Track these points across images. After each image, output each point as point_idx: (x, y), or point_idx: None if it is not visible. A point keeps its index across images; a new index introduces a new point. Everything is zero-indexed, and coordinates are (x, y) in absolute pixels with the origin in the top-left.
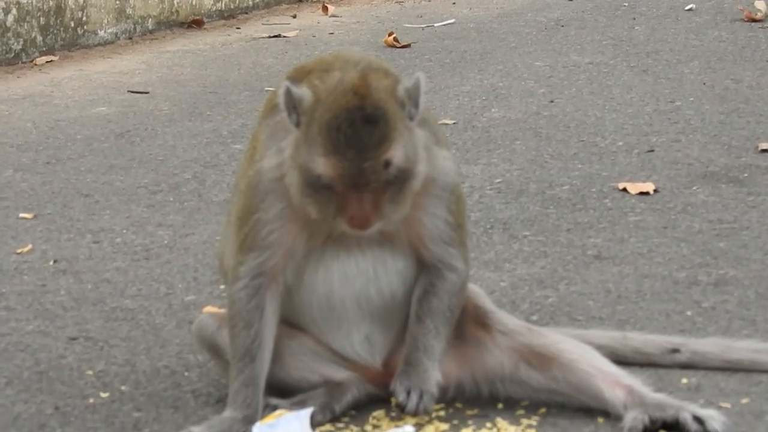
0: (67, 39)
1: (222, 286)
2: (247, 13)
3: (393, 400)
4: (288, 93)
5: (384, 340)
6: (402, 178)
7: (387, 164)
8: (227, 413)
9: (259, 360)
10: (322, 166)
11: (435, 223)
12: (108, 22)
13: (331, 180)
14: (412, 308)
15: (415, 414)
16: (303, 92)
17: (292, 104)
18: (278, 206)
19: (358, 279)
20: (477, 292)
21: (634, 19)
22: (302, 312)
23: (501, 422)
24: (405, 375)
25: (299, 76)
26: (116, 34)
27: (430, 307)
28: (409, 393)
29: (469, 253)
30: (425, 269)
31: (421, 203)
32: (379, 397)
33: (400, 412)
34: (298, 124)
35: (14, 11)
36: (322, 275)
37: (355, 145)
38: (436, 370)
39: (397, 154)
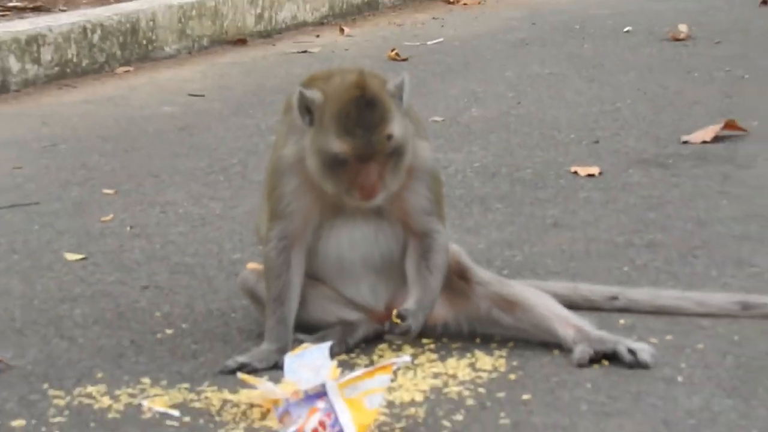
0: (141, 53)
1: (260, 248)
2: (280, 33)
3: (393, 319)
4: (301, 96)
5: (385, 290)
6: (399, 151)
7: (389, 137)
8: (264, 346)
9: (288, 303)
10: (338, 145)
11: (417, 198)
12: (172, 40)
13: (345, 155)
14: (415, 264)
15: (401, 333)
16: (313, 93)
17: (305, 105)
18: (294, 183)
19: (363, 243)
20: (459, 251)
21: (584, 38)
22: (321, 269)
23: (478, 353)
24: (412, 311)
25: (309, 83)
26: (179, 49)
27: (435, 263)
28: (405, 320)
29: (446, 222)
30: (416, 236)
31: (406, 184)
32: (383, 334)
33: (390, 330)
34: (311, 122)
35: (99, 31)
36: (334, 241)
37: (362, 124)
38: (421, 311)
39: (395, 129)
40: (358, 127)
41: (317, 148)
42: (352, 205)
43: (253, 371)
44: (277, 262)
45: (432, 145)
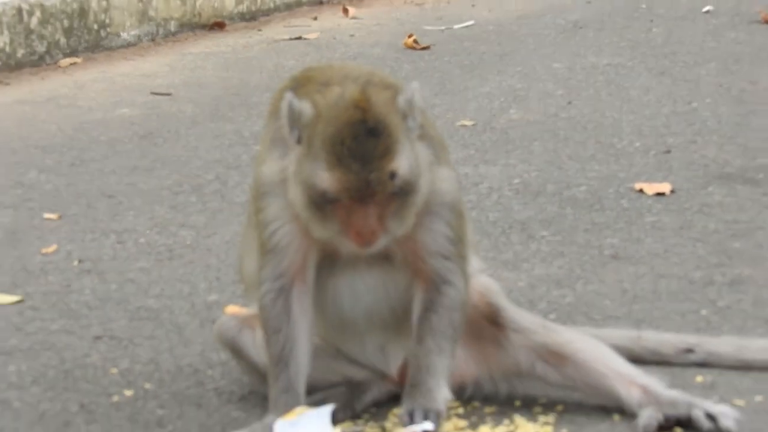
0: (91, 41)
1: (242, 287)
2: (268, 15)
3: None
4: (290, 106)
5: (398, 350)
6: (406, 190)
7: (393, 175)
8: (269, 418)
9: (294, 364)
10: (327, 180)
11: (433, 238)
12: (131, 24)
13: (336, 194)
14: (413, 327)
15: None
16: (303, 106)
17: (293, 117)
18: (280, 206)
19: (367, 294)
20: (492, 288)
21: (652, 21)
22: (318, 324)
23: (519, 419)
24: (409, 397)
25: (303, 81)
26: (139, 36)
27: (431, 326)
28: (411, 415)
29: (469, 266)
30: (425, 286)
31: (420, 221)
32: (398, 396)
33: None
34: (299, 140)
35: (38, 13)
36: (332, 291)
37: (360, 157)
38: (442, 388)
39: (401, 165)
40: (354, 161)
41: (303, 178)
42: (345, 251)
43: None
44: (274, 310)
45: (455, 174)
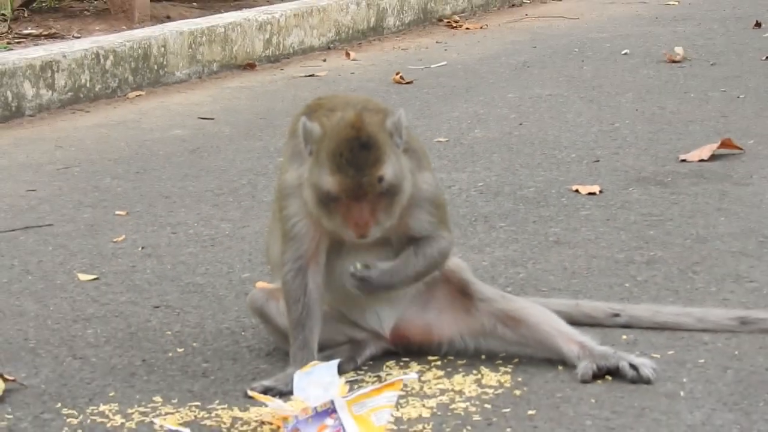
0: (152, 78)
1: (268, 267)
2: (288, 58)
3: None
4: (304, 126)
5: (390, 315)
6: (392, 191)
7: (380, 179)
8: (290, 369)
9: (309, 327)
10: (330, 183)
11: (419, 223)
12: (183, 65)
13: (337, 193)
14: (405, 249)
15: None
16: (313, 126)
17: (306, 136)
18: (298, 205)
19: None
20: (462, 266)
21: (583, 61)
22: (327, 295)
23: (484, 369)
24: (379, 266)
25: (315, 108)
26: (189, 74)
27: (425, 252)
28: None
29: (452, 231)
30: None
31: (407, 212)
32: (390, 352)
33: (352, 273)
34: (310, 153)
35: (111, 57)
36: (339, 269)
37: (355, 165)
38: (387, 275)
39: (387, 171)
40: (350, 168)
41: (312, 181)
42: (347, 239)
43: (280, 395)
44: (294, 285)
45: (435, 176)
